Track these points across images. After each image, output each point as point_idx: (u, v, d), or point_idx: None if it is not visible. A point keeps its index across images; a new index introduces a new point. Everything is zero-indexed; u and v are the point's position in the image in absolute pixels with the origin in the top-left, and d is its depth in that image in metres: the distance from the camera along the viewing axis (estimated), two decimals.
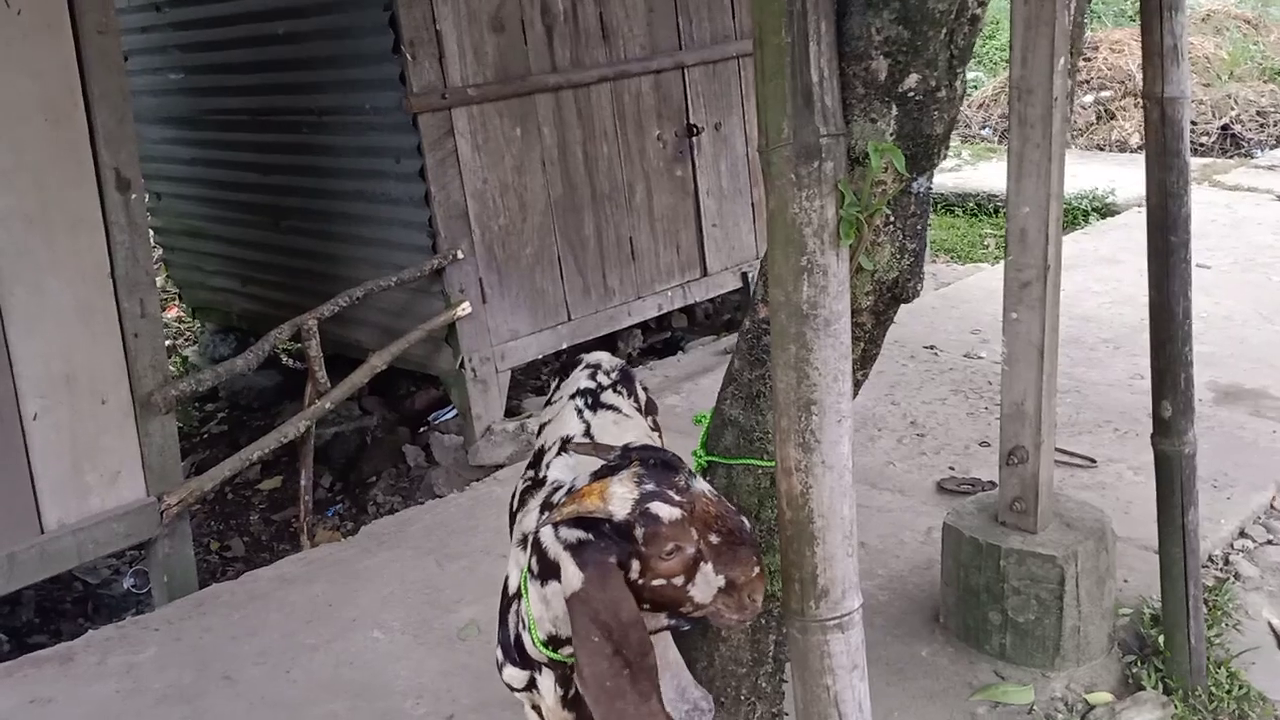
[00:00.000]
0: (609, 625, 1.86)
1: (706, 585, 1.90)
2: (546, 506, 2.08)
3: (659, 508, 1.88)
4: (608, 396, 2.55)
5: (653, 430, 2.66)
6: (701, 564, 1.89)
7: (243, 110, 6.59)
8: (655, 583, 1.90)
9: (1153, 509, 3.36)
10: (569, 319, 5.94)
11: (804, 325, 1.95)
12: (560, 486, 2.12)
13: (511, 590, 2.22)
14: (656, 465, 1.94)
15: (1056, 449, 3.52)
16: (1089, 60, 11.93)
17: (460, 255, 5.40)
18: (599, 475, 1.97)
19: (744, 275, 6.77)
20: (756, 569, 1.91)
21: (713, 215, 6.59)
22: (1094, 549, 3.29)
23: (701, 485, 1.95)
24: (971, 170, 10.12)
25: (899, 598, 3.66)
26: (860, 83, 1.97)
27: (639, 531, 1.88)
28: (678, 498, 1.89)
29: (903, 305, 2.24)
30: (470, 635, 3.69)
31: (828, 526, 1.97)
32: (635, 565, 1.89)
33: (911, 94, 1.98)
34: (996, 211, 9.64)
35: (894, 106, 2.00)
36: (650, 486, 1.90)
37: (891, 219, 2.11)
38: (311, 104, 5.97)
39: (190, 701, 3.45)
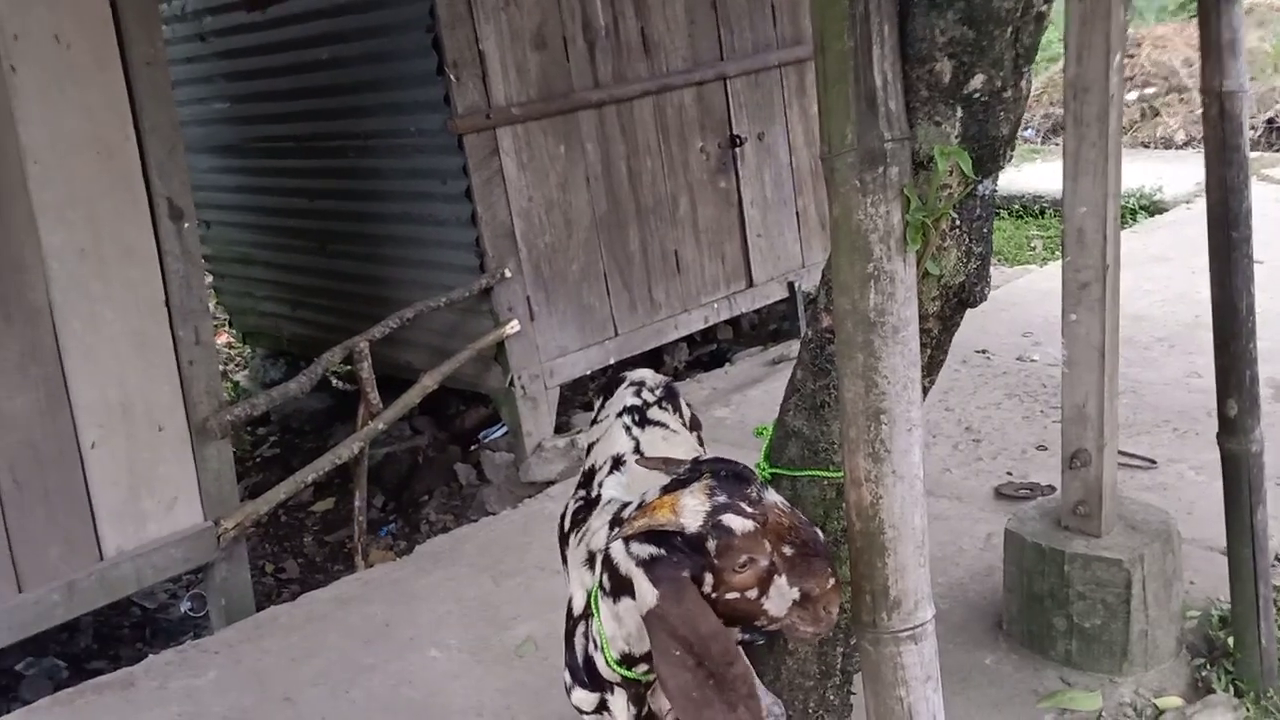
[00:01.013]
0: (688, 639, 1.84)
1: (781, 598, 1.87)
2: (617, 523, 2.06)
3: (732, 519, 1.85)
4: (654, 413, 2.53)
5: (699, 446, 2.64)
6: (775, 576, 1.86)
7: (289, 137, 6.66)
8: (729, 596, 1.87)
9: (1216, 509, 3.31)
10: (616, 334, 5.94)
11: (871, 333, 1.92)
12: (626, 503, 2.11)
13: (577, 611, 2.20)
14: (728, 477, 1.91)
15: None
16: (1132, 57, 11.77)
17: (508, 274, 5.41)
18: (669, 489, 1.95)
19: (790, 285, 6.74)
20: (831, 580, 1.88)
21: (758, 225, 6.57)
22: (1160, 551, 3.24)
23: (774, 497, 1.92)
24: (1015, 172, 10.01)
25: (960, 605, 3.61)
26: (924, 85, 1.95)
27: (711, 544, 1.85)
28: (750, 509, 1.86)
29: None
30: (528, 652, 3.68)
31: (899, 537, 1.94)
32: (709, 579, 1.87)
33: (977, 95, 1.95)
34: (1043, 213, 9.55)
35: (959, 109, 1.97)
36: (722, 498, 1.87)
37: (957, 223, 2.08)
38: (357, 128, 6.03)
39: None
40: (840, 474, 2.12)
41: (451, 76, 5.16)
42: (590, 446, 2.57)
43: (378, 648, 3.83)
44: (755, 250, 6.57)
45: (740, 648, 1.95)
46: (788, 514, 1.90)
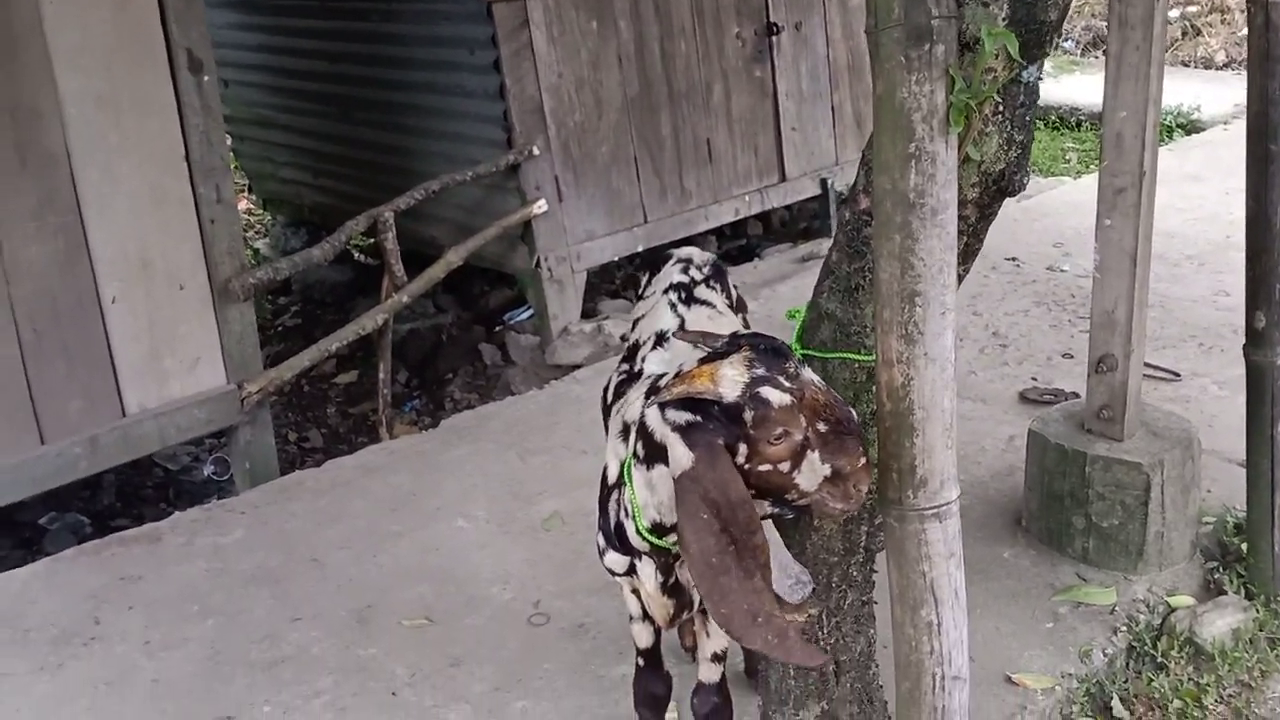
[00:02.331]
0: (717, 504, 1.86)
1: (813, 473, 1.89)
2: (653, 393, 2.07)
3: (769, 392, 1.86)
4: (701, 291, 2.52)
5: (744, 327, 2.62)
6: (809, 451, 1.88)
7: None
8: (762, 468, 1.89)
9: (1237, 423, 3.34)
10: (645, 221, 5.89)
11: (910, 214, 1.90)
12: (662, 375, 2.12)
13: (611, 480, 2.23)
14: (767, 351, 1.92)
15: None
16: None
17: (536, 152, 5.35)
18: (708, 360, 1.96)
19: (823, 182, 6.67)
20: (862, 459, 1.89)
21: (792, 118, 6.47)
22: (1180, 457, 3.28)
23: (810, 374, 1.93)
24: (1054, 83, 9.85)
25: (980, 502, 3.65)
26: None
27: (748, 415, 1.86)
28: (788, 384, 1.87)
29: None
30: (554, 527, 3.74)
31: (928, 418, 1.94)
32: (743, 449, 1.88)
33: None
34: (1079, 125, 9.44)
35: None
36: (761, 371, 1.88)
37: (1001, 108, 2.04)
38: None
39: (279, 582, 3.54)
40: (871, 357, 2.11)
41: None
42: (635, 322, 2.57)
43: (404, 516, 3.89)
44: (789, 144, 6.48)
45: (767, 521, 1.97)
46: (823, 392, 1.90)
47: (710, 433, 1.88)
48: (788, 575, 1.99)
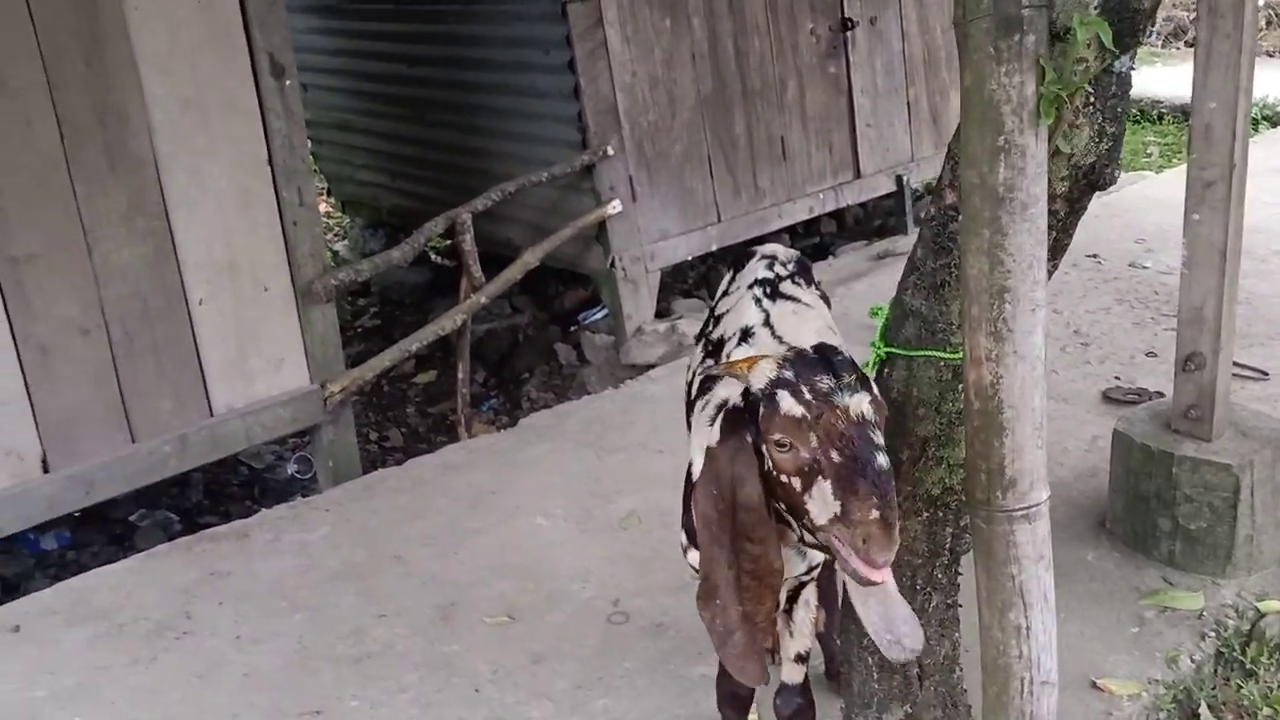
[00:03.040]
0: (725, 491, 1.95)
1: (823, 504, 1.83)
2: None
3: (783, 397, 1.86)
4: (786, 286, 2.51)
5: (830, 321, 2.61)
6: (819, 478, 1.83)
7: None
8: (779, 476, 1.89)
9: None
10: (719, 220, 5.89)
11: (999, 209, 1.87)
12: None
13: (695, 475, 2.23)
14: (808, 360, 1.90)
15: None
16: None
17: (610, 152, 5.37)
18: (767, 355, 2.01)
19: (898, 178, 6.61)
20: (875, 513, 1.77)
21: (867, 115, 6.41)
22: (1270, 458, 3.19)
23: (852, 400, 1.85)
24: (1134, 75, 9.64)
25: (1063, 504, 3.58)
26: None
27: (761, 410, 1.90)
28: (809, 396, 1.84)
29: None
30: (631, 525, 3.75)
31: (1018, 417, 1.91)
32: (764, 451, 1.91)
33: None
34: (1160, 118, 9.25)
35: None
36: (788, 375, 1.88)
37: (1092, 99, 2.00)
38: None
39: (363, 578, 3.60)
40: (958, 355, 2.09)
41: None
42: (718, 318, 2.57)
43: (484, 513, 3.93)
44: (864, 140, 6.43)
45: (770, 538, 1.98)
46: (851, 423, 1.83)
47: (741, 424, 1.94)
48: (890, 631, 1.90)
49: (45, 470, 3.99)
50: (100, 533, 4.79)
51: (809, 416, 1.83)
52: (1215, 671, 2.98)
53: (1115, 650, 2.97)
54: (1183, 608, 3.11)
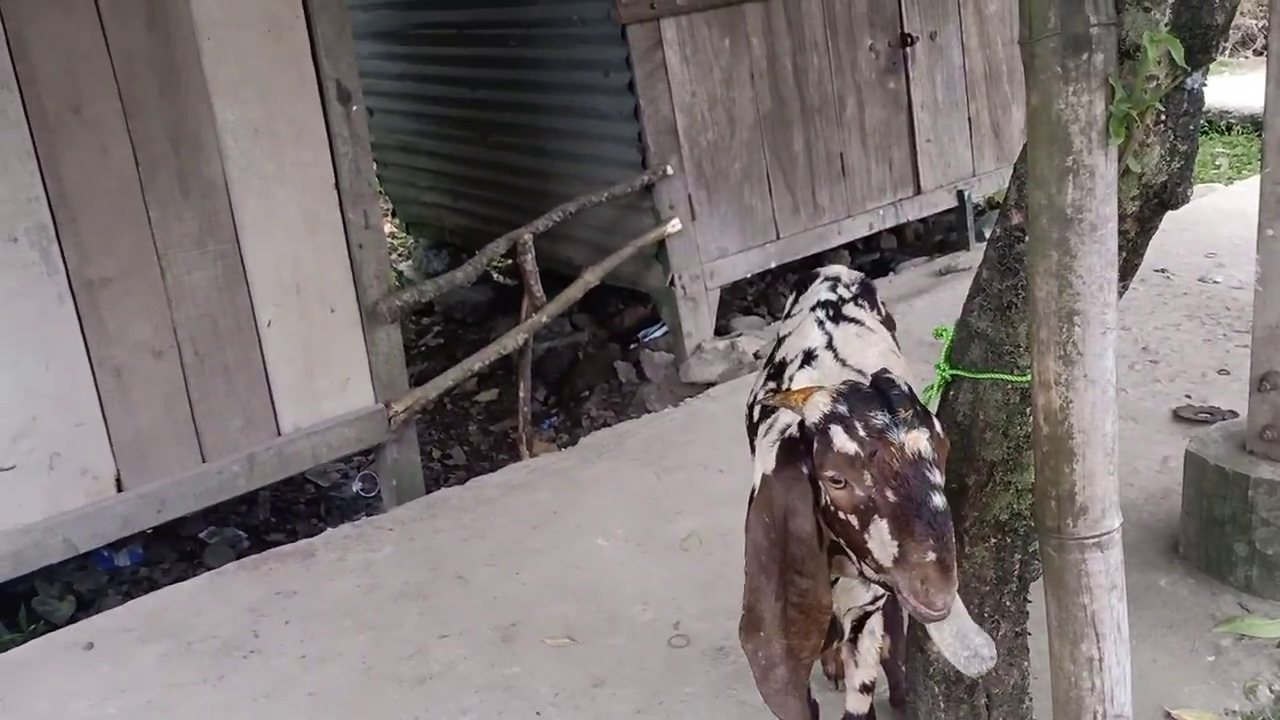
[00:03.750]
0: (776, 522, 1.94)
1: (882, 546, 1.79)
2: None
3: (837, 433, 1.82)
4: (849, 309, 2.49)
5: (894, 344, 2.58)
6: (875, 516, 1.79)
7: (450, 24, 6.70)
8: (837, 512, 1.85)
9: None
10: (777, 237, 5.87)
11: (1067, 230, 1.84)
12: None
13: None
14: (864, 394, 1.86)
15: None
16: None
17: (669, 171, 5.38)
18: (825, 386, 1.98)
19: (960, 194, 6.54)
20: (931, 554, 1.72)
21: (927, 130, 6.36)
22: None
23: (909, 437, 1.80)
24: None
25: (1134, 527, 3.50)
26: None
27: (815, 444, 1.86)
28: (863, 433, 1.80)
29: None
30: (692, 546, 3.74)
31: (1088, 443, 1.87)
32: (820, 485, 1.89)
33: None
34: (1229, 129, 9.07)
35: None
36: (842, 409, 1.84)
37: (1163, 117, 1.97)
38: (519, 16, 6.02)
39: (426, 598, 3.62)
40: (1025, 378, 2.06)
41: None
42: (781, 340, 2.56)
43: (545, 533, 3.95)
44: (924, 156, 6.38)
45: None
46: (907, 461, 1.78)
47: (797, 456, 1.91)
48: (966, 646, 1.86)
49: (119, 489, 4.08)
50: (171, 549, 4.88)
51: (863, 454, 1.79)
52: None
53: (1191, 680, 2.89)
54: (1261, 636, 3.01)
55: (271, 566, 3.92)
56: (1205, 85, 2.07)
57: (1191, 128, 2.04)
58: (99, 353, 3.98)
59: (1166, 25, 1.88)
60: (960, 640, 1.86)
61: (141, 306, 4.05)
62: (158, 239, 4.06)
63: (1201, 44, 1.93)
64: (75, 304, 3.91)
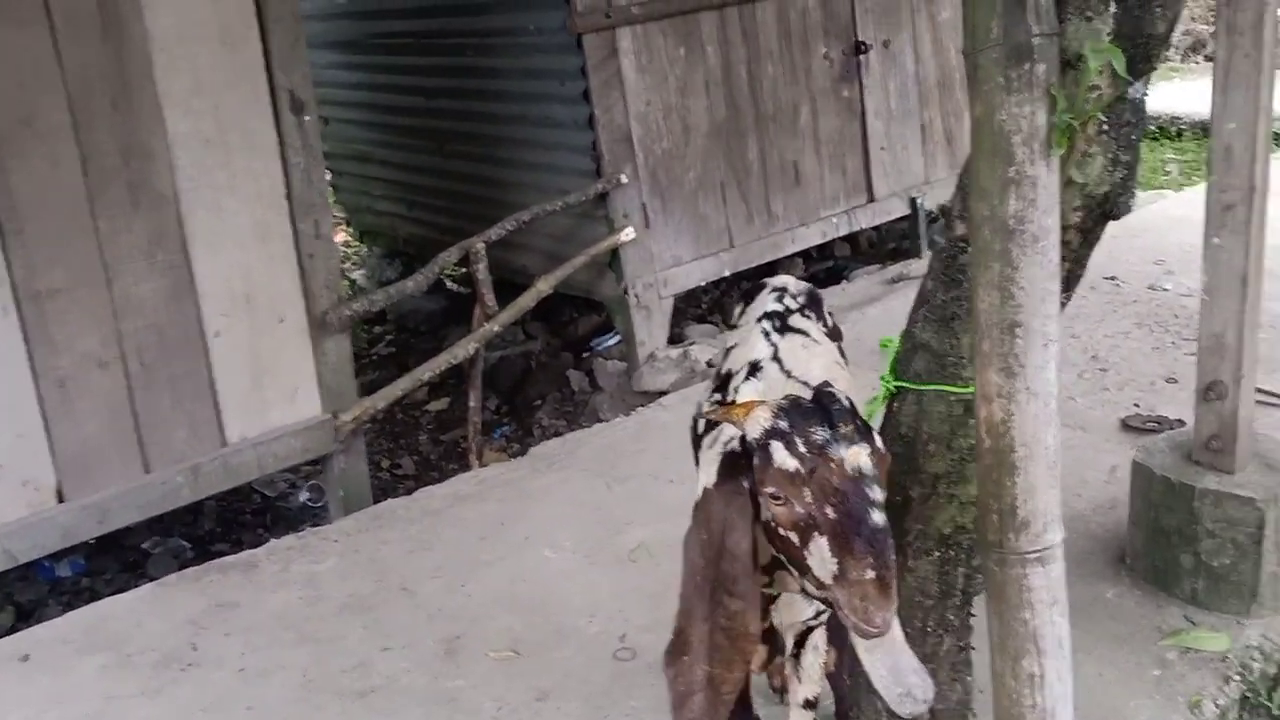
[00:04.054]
0: (714, 538, 1.90)
1: (822, 563, 1.76)
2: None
3: (777, 449, 1.79)
4: (796, 320, 2.47)
5: (840, 356, 2.57)
6: (816, 534, 1.76)
7: (407, 34, 6.65)
8: (778, 529, 1.82)
9: None
10: (731, 245, 5.86)
11: (1010, 241, 1.83)
12: None
13: None
14: (804, 409, 1.83)
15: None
16: None
17: (624, 179, 5.36)
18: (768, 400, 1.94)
19: (912, 201, 6.56)
20: (870, 573, 1.70)
21: (880, 138, 6.38)
22: None
23: (849, 453, 1.78)
24: (1152, 91, 9.54)
25: (1081, 537, 3.51)
26: None
27: (756, 460, 1.83)
28: (803, 449, 1.78)
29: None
30: (641, 557, 3.70)
31: (1030, 456, 1.86)
32: (760, 501, 1.85)
33: None
34: (1179, 135, 9.14)
35: (1112, 3, 1.86)
36: (783, 425, 1.81)
37: (1105, 128, 1.97)
38: (475, 26, 5.99)
39: (370, 611, 3.56)
40: (969, 389, 2.05)
41: None
42: (727, 351, 2.54)
43: (493, 545, 3.90)
44: (877, 164, 6.39)
45: (756, 590, 1.92)
46: (846, 477, 1.76)
47: (738, 470, 1.88)
48: (899, 684, 1.82)
49: (60, 500, 4.02)
50: (114, 560, 4.79)
51: (803, 470, 1.77)
52: (1240, 717, 2.88)
53: (1136, 694, 2.88)
54: (1206, 649, 3.01)
55: (213, 578, 3.85)
56: (1147, 95, 2.07)
57: (1134, 137, 2.04)
58: (43, 364, 3.93)
59: (1109, 35, 1.88)
60: (894, 676, 1.82)
61: (88, 318, 4.00)
62: (106, 251, 4.02)
63: (1143, 53, 1.93)
64: (20, 315, 3.86)
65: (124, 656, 3.43)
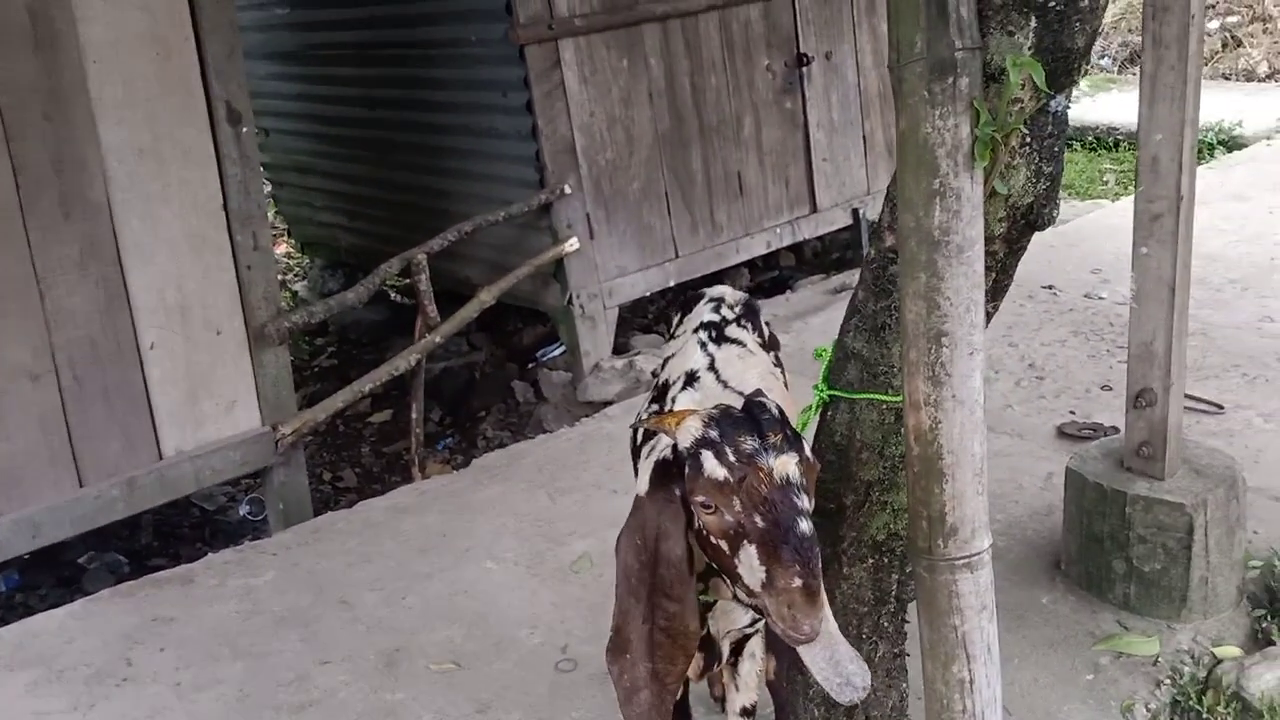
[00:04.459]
0: (648, 544, 1.91)
1: (751, 570, 1.78)
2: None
3: (707, 458, 1.81)
4: (732, 330, 2.48)
5: (775, 366, 2.59)
6: (745, 542, 1.78)
7: (349, 44, 6.62)
8: (709, 536, 1.84)
9: None
10: (676, 256, 5.87)
11: (935, 252, 1.85)
12: None
13: None
14: (735, 419, 1.85)
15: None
16: None
17: (568, 190, 5.36)
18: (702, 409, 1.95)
19: (855, 212, 6.62)
20: (797, 581, 1.72)
21: (823, 149, 6.44)
22: (1224, 497, 3.15)
23: (777, 462, 1.79)
24: (1090, 102, 9.69)
25: (1018, 544, 3.56)
26: None
27: (687, 469, 1.85)
28: (733, 458, 1.79)
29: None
30: (583, 569, 3.70)
31: (958, 463, 1.88)
32: (692, 510, 1.87)
33: (1052, 4, 1.86)
34: (1116, 145, 9.27)
35: (1033, 18, 1.88)
36: (714, 434, 1.82)
37: (1028, 139, 2.00)
38: (417, 37, 5.97)
39: (308, 624, 3.53)
40: (899, 398, 2.07)
41: None
42: (665, 361, 2.54)
43: (434, 557, 3.87)
44: (820, 174, 6.45)
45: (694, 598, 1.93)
46: (775, 487, 1.77)
47: (670, 478, 1.89)
48: (838, 674, 1.81)
49: None
50: (49, 574, 4.71)
51: (732, 479, 1.78)
52: None
53: (1070, 699, 2.92)
54: (1138, 654, 3.05)
55: (148, 592, 3.79)
56: (1069, 107, 2.11)
57: (1056, 149, 2.07)
58: None
59: (1030, 49, 1.91)
60: (833, 667, 1.83)
61: (18, 330, 3.94)
62: (37, 262, 3.96)
63: (1064, 67, 1.96)
64: None
65: (55, 672, 3.37)
